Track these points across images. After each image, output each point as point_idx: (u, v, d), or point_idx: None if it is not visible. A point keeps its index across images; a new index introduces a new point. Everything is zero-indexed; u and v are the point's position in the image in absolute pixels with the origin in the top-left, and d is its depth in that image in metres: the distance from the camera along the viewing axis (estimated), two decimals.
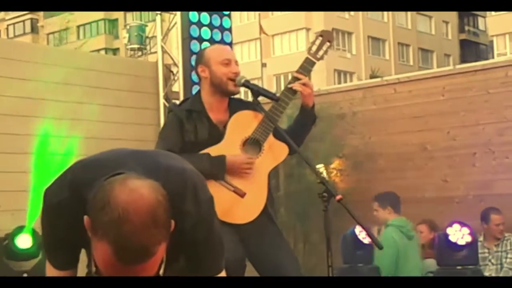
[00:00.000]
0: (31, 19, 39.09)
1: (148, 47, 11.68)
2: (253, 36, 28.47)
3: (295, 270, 3.00)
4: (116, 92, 6.34)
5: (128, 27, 13.63)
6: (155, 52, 7.23)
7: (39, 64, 5.84)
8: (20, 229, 4.93)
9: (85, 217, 1.52)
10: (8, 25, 40.11)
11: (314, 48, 3.10)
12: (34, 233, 4.91)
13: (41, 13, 38.22)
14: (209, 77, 3.06)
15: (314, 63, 3.09)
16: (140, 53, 12.17)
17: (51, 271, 1.82)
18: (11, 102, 5.56)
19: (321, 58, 3.11)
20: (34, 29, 38.90)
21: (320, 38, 3.12)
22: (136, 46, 11.99)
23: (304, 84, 3.03)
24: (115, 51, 37.32)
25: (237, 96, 3.19)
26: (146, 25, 12.62)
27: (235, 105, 3.09)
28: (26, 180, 5.13)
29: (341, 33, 32.91)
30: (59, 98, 5.82)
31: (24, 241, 4.89)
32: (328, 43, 3.11)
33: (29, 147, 5.33)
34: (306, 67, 3.08)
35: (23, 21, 39.40)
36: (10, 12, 39.61)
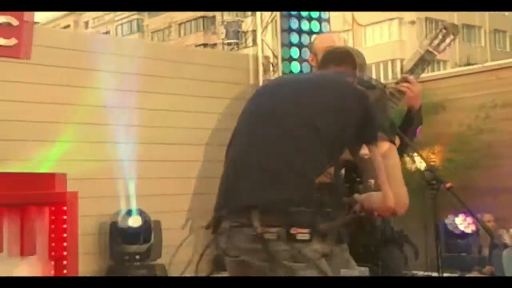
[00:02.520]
0: (137, 19, 40.31)
1: (243, 41, 11.77)
2: (345, 27, 28.02)
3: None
4: (215, 84, 6.38)
5: (225, 23, 13.80)
6: (251, 46, 7.17)
7: (144, 59, 5.96)
8: (128, 211, 5.39)
9: None
10: (117, 26, 41.60)
11: (436, 41, 2.94)
12: (140, 212, 5.38)
13: (146, 13, 39.32)
14: (316, 65, 2.97)
15: (434, 56, 2.93)
16: (236, 47, 12.28)
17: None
18: (120, 95, 5.71)
19: (443, 51, 2.93)
20: (139, 28, 40.12)
21: (444, 31, 2.95)
22: (232, 41, 12.15)
23: (409, 88, 2.86)
24: (213, 46, 37.84)
25: None
26: (242, 21, 12.71)
27: None
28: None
29: (434, 21, 31.84)
30: (162, 91, 5.92)
31: (134, 220, 5.39)
32: (452, 36, 2.94)
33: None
34: (426, 59, 2.92)
35: (130, 21, 40.72)
36: (118, 13, 41.01)
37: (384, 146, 2.05)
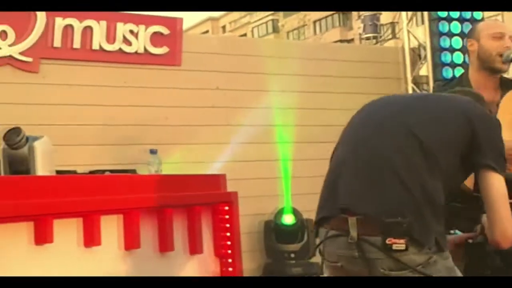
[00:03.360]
0: (272, 20, 41.00)
1: (382, 35, 11.60)
2: (496, 12, 26.60)
3: None
4: (363, 79, 6.34)
5: (362, 17, 13.69)
6: (390, 39, 7.00)
7: (290, 59, 6.06)
8: (282, 209, 5.53)
9: None
10: (253, 28, 42.58)
11: None
12: (294, 211, 5.48)
13: (281, 14, 39.88)
14: (477, 51, 2.84)
15: None
16: (374, 41, 12.11)
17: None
18: (270, 96, 5.87)
19: None
20: (275, 29, 40.78)
21: None
22: (370, 35, 12.02)
23: None
24: (350, 42, 37.59)
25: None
26: (380, 14, 12.52)
27: (507, 84, 2.82)
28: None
29: None
30: (302, 89, 5.99)
31: (288, 219, 5.50)
32: None
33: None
34: None
35: (266, 22, 41.48)
36: (254, 16, 41.94)
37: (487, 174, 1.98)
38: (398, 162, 1.93)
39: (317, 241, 2.09)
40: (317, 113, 6.00)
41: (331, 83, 6.16)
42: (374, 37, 11.91)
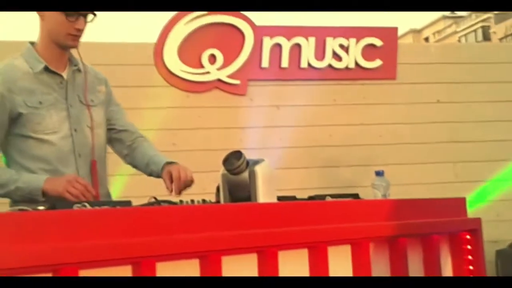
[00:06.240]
0: (482, 26, 39.10)
1: None
2: None
3: None
4: None
5: None
6: None
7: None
8: None
9: None
10: (460, 37, 40.97)
11: None
12: None
13: (492, 20, 37.93)
14: None
15: None
16: None
17: None
18: (490, 107, 5.43)
19: None
20: (485, 36, 38.82)
21: None
22: None
23: None
24: None
25: None
26: None
27: None
28: None
29: None
30: None
31: None
32: None
33: None
34: None
35: (475, 30, 39.70)
36: (461, 24, 40.41)
37: None
38: None
39: None
40: None
41: None
42: None
